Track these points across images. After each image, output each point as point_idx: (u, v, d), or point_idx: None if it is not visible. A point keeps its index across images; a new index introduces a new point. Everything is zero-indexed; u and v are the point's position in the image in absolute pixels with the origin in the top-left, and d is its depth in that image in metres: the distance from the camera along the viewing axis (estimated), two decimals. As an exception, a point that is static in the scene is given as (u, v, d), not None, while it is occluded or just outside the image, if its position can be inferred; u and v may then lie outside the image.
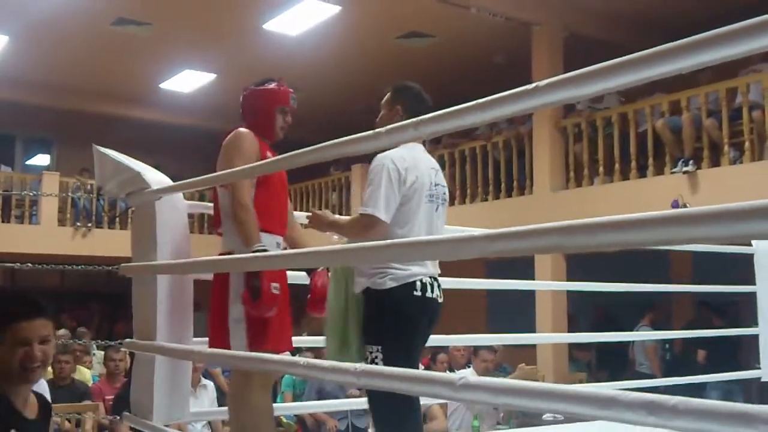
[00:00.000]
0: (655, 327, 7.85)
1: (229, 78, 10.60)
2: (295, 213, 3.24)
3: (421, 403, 2.81)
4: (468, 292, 5.32)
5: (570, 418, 3.47)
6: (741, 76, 7.12)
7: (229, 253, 2.83)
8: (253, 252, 2.67)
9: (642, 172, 7.77)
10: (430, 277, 2.75)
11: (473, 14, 8.42)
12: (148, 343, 2.94)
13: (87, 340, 8.02)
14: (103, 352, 6.86)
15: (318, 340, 3.13)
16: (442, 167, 4.43)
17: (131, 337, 3.10)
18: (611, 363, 8.67)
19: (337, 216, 2.89)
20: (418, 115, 1.74)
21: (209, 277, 3.03)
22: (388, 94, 2.98)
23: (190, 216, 3.54)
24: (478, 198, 9.30)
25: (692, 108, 7.45)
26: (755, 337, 4.71)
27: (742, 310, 7.04)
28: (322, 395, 5.99)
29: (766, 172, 6.62)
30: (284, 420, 6.16)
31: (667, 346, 8.23)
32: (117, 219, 11.36)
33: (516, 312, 8.04)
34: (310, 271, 2.96)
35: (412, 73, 10.41)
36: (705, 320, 7.75)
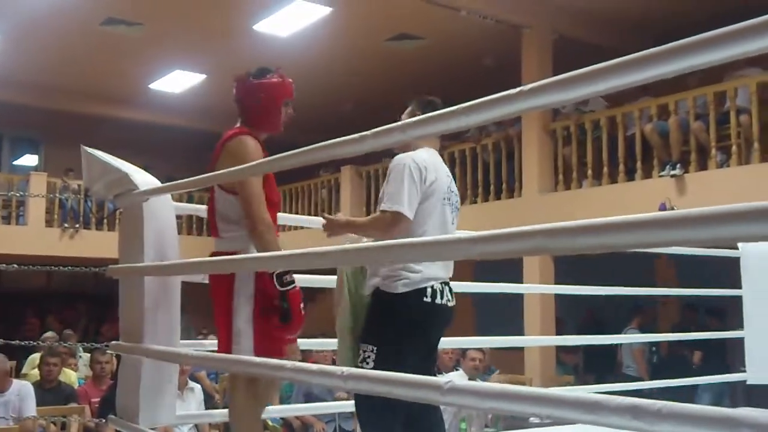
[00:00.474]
0: (643, 330, 7.88)
1: (219, 79, 10.56)
2: (301, 218, 3.16)
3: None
4: (455, 294, 5.32)
5: (556, 422, 3.47)
6: (727, 80, 7.17)
7: (234, 254, 2.71)
8: (282, 277, 2.60)
9: (630, 176, 7.81)
10: (441, 283, 2.76)
11: (463, 17, 8.45)
12: (134, 345, 2.92)
13: (73, 342, 7.99)
14: (89, 354, 6.82)
15: (306, 343, 3.13)
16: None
17: (118, 339, 3.09)
18: (599, 365, 8.70)
19: (349, 217, 2.88)
20: None
21: (198, 279, 3.01)
22: (411, 107, 2.96)
23: (179, 217, 3.49)
24: (467, 200, 9.31)
25: (680, 111, 7.49)
26: (741, 340, 4.73)
27: (729, 313, 7.08)
28: (309, 398, 5.98)
29: (753, 175, 6.67)
30: (270, 423, 6.13)
31: (653, 348, 8.26)
32: (105, 220, 11.31)
33: (504, 314, 8.05)
34: (283, 295, 2.65)
35: (402, 75, 10.48)
36: (691, 323, 7.80)
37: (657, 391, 4.96)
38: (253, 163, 2.46)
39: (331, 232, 2.80)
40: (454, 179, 3.01)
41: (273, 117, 2.93)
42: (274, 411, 3.91)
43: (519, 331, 7.97)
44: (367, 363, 2.66)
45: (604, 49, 7.60)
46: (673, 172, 7.17)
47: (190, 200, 8.97)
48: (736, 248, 4.67)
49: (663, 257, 8.14)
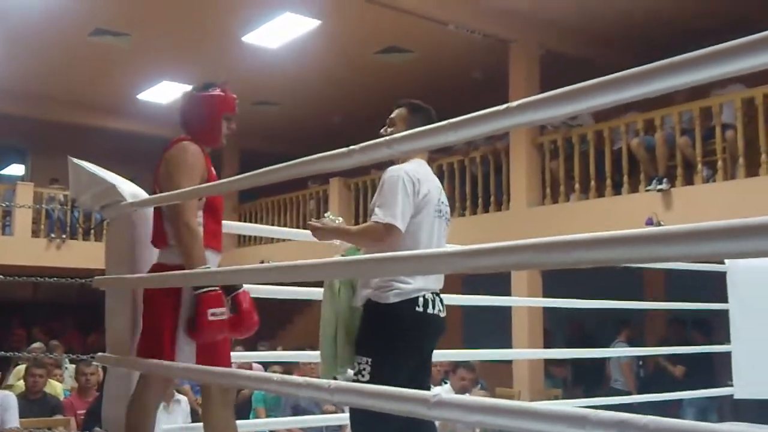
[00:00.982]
0: (632, 343, 7.90)
1: (207, 90, 10.56)
2: (291, 231, 3.15)
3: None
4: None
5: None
6: (713, 96, 7.23)
7: (181, 267, 2.69)
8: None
9: (617, 190, 7.86)
10: (432, 293, 2.76)
11: (451, 30, 8.49)
12: (120, 357, 2.91)
13: (59, 353, 7.92)
14: (75, 366, 6.76)
15: (291, 355, 3.12)
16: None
17: (104, 350, 3.07)
18: (587, 378, 8.71)
19: (339, 224, 2.87)
20: None
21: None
22: (402, 109, 2.95)
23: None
24: (455, 213, 9.33)
25: (666, 127, 7.55)
26: (728, 354, 4.75)
27: (715, 327, 7.11)
28: (297, 410, 5.95)
29: (739, 190, 6.72)
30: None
31: (641, 362, 8.28)
32: (92, 231, 11.25)
33: (492, 327, 8.05)
34: (229, 291, 2.71)
35: (391, 88, 10.49)
36: (678, 337, 7.83)
37: (639, 405, 4.98)
38: (241, 176, 2.45)
39: (319, 237, 2.81)
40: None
41: (213, 130, 2.94)
42: (261, 424, 3.90)
43: (507, 343, 7.97)
44: (363, 375, 2.65)
45: (591, 64, 7.67)
46: (659, 187, 7.22)
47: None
48: (723, 263, 4.70)
49: (651, 270, 8.17)
